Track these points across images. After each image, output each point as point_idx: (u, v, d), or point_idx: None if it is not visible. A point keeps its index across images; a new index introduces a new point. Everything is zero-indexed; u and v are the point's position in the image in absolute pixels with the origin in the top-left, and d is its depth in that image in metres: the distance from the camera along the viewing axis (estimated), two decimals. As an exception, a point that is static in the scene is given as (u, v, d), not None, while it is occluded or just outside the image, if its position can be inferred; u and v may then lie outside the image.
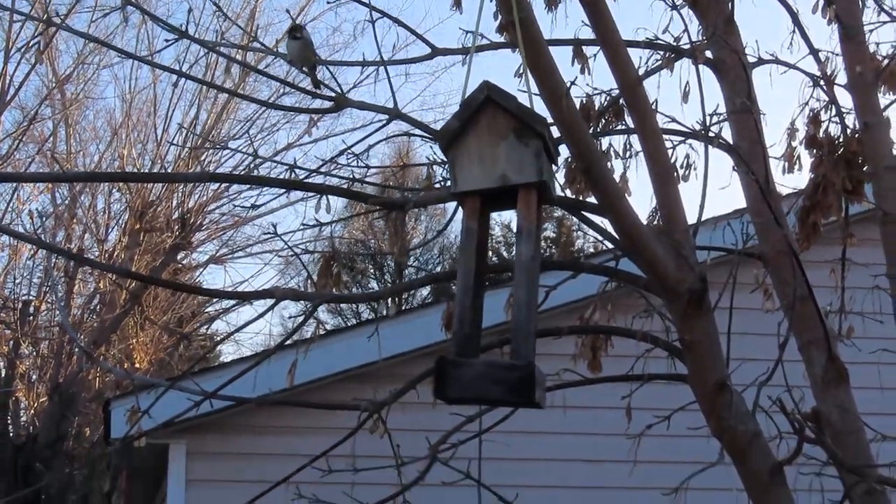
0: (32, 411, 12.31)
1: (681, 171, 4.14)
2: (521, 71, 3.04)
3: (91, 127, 14.68)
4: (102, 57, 13.65)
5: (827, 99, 4.15)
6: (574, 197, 3.77)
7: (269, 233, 15.22)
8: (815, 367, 3.59)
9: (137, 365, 12.41)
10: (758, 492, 3.34)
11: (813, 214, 3.89)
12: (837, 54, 4.03)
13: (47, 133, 14.26)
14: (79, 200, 13.53)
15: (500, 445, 4.23)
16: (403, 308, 8.88)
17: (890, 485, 3.50)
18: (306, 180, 3.46)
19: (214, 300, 16.14)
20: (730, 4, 3.86)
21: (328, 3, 4.60)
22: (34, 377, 12.37)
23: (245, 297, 4.20)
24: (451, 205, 3.57)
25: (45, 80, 13.76)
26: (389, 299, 13.83)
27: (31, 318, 12.41)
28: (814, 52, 4.15)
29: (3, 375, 11.93)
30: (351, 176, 4.19)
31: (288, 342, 4.75)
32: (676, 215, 3.15)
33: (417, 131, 3.87)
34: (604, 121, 4.36)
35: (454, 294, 2.49)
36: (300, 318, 3.55)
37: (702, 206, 3.35)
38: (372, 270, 22.16)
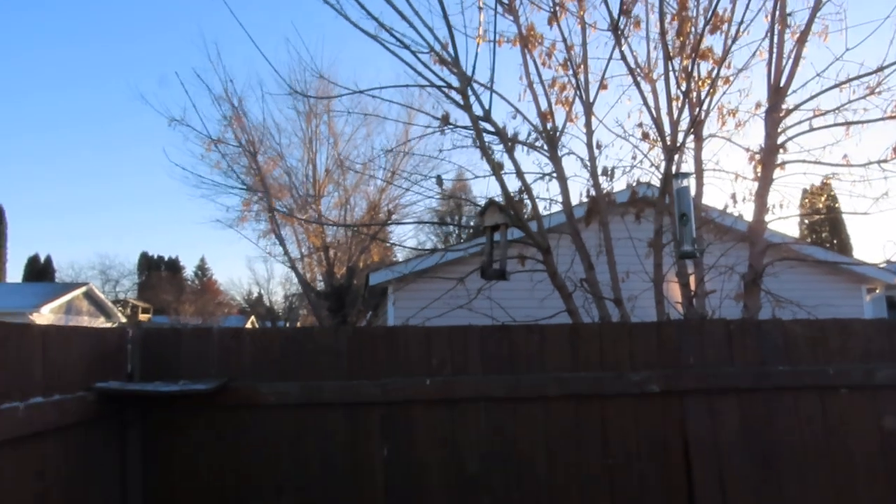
0: (341, 274, 15.93)
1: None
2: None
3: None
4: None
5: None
6: (517, 224, 4.56)
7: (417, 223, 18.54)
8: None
9: (376, 259, 15.49)
10: (566, 301, 4.72)
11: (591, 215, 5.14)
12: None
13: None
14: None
15: (500, 293, 5.66)
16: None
17: (603, 297, 4.81)
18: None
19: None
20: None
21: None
22: (337, 262, 16.48)
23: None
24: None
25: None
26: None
27: (338, 243, 15.92)
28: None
29: (330, 261, 15.25)
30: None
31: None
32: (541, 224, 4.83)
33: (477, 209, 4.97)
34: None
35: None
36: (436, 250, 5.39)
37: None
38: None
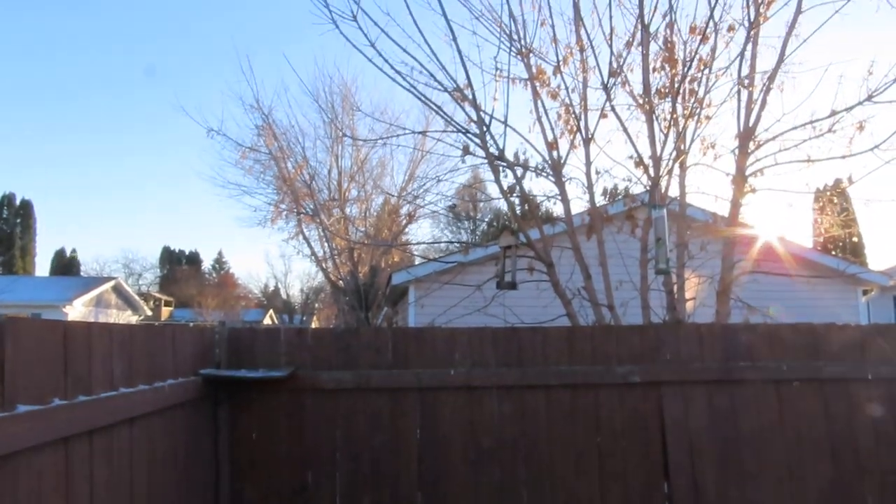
0: (363, 273, 16.90)
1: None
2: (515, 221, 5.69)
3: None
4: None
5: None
6: (526, 243, 5.36)
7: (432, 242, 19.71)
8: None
9: (396, 259, 16.32)
10: (566, 306, 5.58)
11: (591, 231, 5.78)
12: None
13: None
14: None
15: (510, 299, 6.18)
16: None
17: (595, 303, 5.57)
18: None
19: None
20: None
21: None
22: (360, 262, 17.05)
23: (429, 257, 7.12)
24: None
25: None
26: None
27: (362, 251, 16.79)
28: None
29: (354, 261, 16.69)
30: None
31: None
32: (547, 244, 5.77)
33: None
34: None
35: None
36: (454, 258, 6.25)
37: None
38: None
